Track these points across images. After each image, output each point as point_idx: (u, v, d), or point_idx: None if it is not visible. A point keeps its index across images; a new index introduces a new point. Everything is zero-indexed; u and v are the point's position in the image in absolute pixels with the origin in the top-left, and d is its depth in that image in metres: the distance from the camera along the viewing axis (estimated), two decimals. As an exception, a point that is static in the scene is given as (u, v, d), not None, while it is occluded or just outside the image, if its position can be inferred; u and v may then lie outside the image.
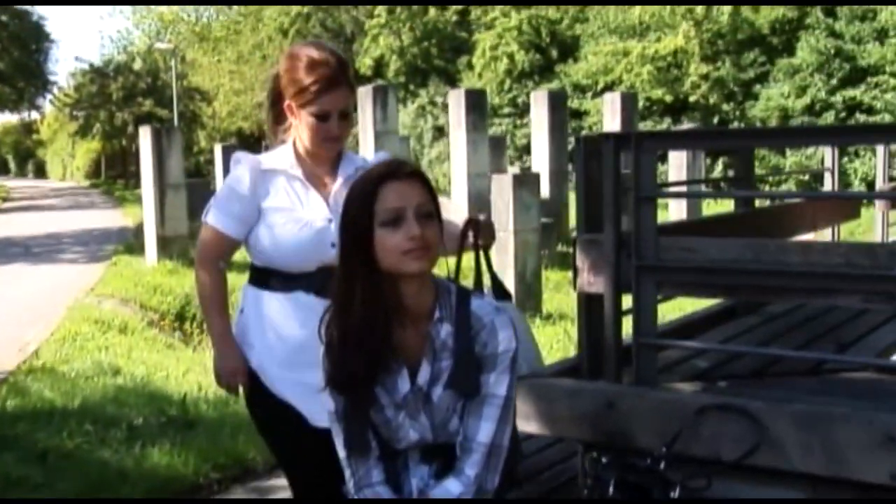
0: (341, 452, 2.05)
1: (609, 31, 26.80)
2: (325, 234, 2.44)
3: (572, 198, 15.03)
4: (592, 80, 26.06)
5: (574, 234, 2.81)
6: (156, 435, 4.95)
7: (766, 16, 23.91)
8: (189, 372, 6.71)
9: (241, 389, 2.57)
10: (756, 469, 2.36)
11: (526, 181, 9.16)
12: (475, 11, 30.29)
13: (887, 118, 20.75)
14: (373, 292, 1.93)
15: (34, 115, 50.45)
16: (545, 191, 13.23)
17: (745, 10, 23.89)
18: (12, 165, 65.04)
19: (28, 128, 59.63)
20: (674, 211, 13.07)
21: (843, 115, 21.83)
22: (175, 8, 42.10)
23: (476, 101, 13.35)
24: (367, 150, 11.88)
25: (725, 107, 24.14)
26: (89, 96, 35.98)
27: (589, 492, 2.39)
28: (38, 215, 22.08)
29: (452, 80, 28.62)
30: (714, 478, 2.29)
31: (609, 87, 23.40)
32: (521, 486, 2.31)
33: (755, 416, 2.33)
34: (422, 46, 30.51)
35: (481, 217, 2.45)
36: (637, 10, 25.18)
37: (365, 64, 30.44)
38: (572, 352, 6.48)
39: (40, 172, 56.68)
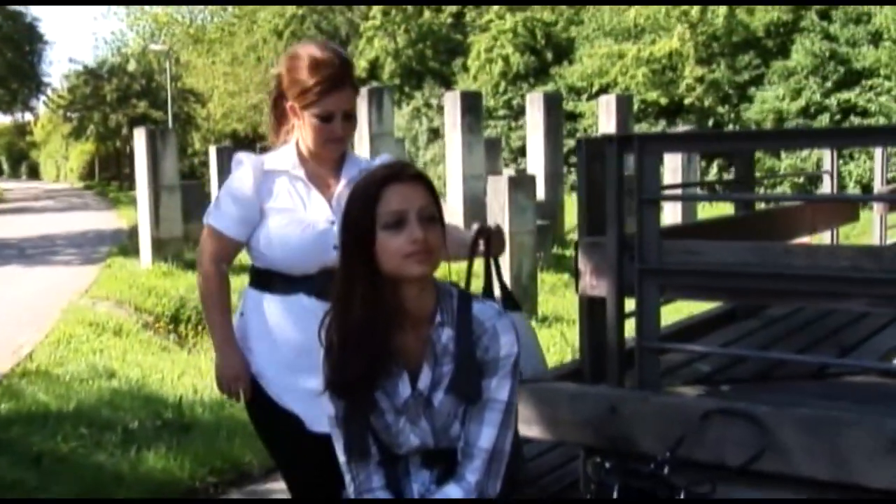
0: (341, 457, 2.03)
1: (604, 33, 26.83)
2: (328, 235, 2.41)
3: (567, 200, 15.18)
4: (587, 82, 26.07)
5: (569, 236, 2.78)
6: (151, 438, 4.93)
7: (760, 18, 23.95)
8: (184, 375, 6.70)
9: (242, 395, 2.54)
10: (761, 474, 2.33)
11: (521, 183, 9.16)
12: (470, 13, 30.31)
13: (882, 121, 20.78)
14: (373, 295, 1.91)
15: (28, 116, 50.64)
16: (540, 193, 13.21)
17: (740, 13, 23.92)
18: (6, 167, 64.91)
19: (21, 129, 59.46)
20: (668, 214, 13.07)
21: (837, 117, 21.86)
22: (169, 9, 42.07)
23: (471, 104, 13.36)
24: (362, 153, 11.84)
25: (720, 109, 24.15)
26: (83, 98, 35.84)
27: (592, 497, 2.36)
28: (32, 217, 22.01)
29: (447, 83, 28.60)
30: (718, 483, 2.26)
31: (604, 90, 23.42)
32: (522, 490, 2.28)
33: (760, 421, 2.30)
34: (417, 48, 30.50)
35: (492, 226, 2.43)
36: (632, 12, 25.20)
37: (360, 66, 30.37)
38: (569, 355, 6.47)
39: (34, 174, 56.60)
